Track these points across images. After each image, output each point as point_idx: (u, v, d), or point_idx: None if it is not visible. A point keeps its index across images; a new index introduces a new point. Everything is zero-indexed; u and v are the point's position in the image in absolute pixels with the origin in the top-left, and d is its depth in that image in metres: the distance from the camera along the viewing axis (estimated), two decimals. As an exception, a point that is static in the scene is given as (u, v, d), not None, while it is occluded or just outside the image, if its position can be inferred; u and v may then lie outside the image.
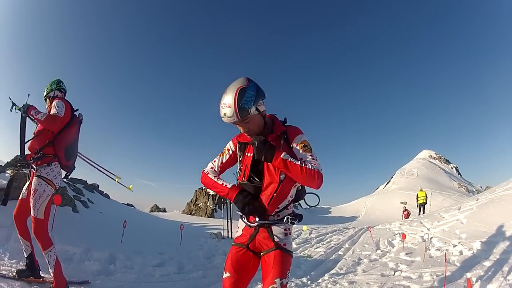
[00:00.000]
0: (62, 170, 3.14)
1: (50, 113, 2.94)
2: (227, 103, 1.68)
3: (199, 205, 23.81)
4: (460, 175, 59.23)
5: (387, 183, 52.50)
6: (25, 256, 3.11)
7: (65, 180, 5.35)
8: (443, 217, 7.83)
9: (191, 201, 25.33)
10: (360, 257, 6.14)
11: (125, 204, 18.25)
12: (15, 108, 3.14)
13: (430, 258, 5.03)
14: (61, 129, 3.05)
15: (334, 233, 10.01)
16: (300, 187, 1.95)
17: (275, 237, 1.78)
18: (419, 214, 15.45)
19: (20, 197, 3.06)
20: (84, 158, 3.61)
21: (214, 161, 1.97)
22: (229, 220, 9.48)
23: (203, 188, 25.90)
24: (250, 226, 1.83)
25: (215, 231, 9.19)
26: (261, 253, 1.82)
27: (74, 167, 3.31)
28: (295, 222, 1.84)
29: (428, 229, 7.26)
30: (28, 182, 3.08)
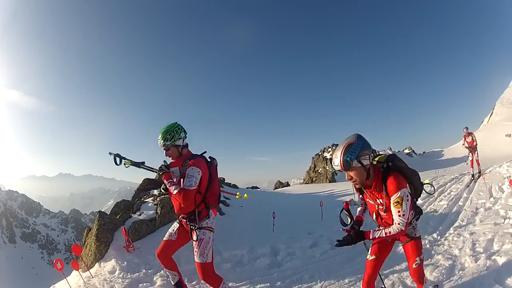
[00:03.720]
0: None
1: (184, 187, 2.81)
2: (336, 154, 2.22)
3: (319, 171, 24.22)
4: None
5: (490, 116, 46.94)
6: (173, 284, 3.31)
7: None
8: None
9: (310, 168, 26.01)
10: (477, 207, 6.45)
11: (249, 188, 19.42)
12: (125, 164, 3.13)
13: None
14: (207, 186, 3.01)
15: (452, 182, 10.40)
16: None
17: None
18: None
19: (167, 238, 3.14)
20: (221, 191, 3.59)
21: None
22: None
23: (320, 153, 26.27)
24: None
25: (347, 198, 9.23)
26: (400, 244, 2.72)
27: (219, 202, 3.31)
28: (418, 218, 2.64)
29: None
30: (177, 226, 3.16)
